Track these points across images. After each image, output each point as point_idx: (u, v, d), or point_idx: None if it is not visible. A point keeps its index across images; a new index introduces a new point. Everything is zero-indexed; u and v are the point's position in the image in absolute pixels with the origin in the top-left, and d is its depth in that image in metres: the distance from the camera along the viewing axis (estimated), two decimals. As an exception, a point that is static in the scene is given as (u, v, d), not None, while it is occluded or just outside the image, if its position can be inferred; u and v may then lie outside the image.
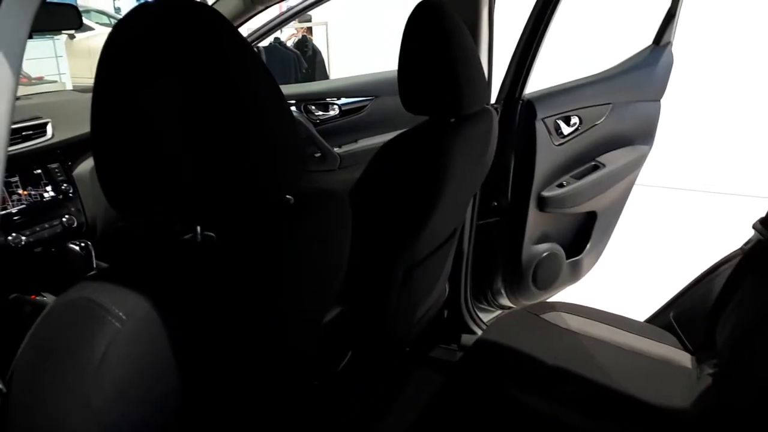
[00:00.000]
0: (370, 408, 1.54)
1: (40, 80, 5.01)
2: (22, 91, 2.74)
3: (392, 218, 1.25)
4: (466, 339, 1.97)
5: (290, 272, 0.78)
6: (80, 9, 1.47)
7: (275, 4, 1.94)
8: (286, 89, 2.44)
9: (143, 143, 0.59)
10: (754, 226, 1.43)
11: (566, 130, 1.94)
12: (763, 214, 1.41)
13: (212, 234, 0.68)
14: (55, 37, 6.46)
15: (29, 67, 5.54)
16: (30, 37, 1.17)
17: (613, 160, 2.07)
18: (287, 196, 0.80)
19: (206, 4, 0.66)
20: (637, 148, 2.14)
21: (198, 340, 0.64)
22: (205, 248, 0.67)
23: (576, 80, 2.02)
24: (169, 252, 0.66)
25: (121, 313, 0.55)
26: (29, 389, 0.57)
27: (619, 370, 1.43)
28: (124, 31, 0.62)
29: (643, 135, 2.15)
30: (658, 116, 2.15)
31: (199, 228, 0.67)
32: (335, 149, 2.43)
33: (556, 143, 1.93)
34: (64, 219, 1.60)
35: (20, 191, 1.55)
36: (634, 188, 2.21)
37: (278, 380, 0.89)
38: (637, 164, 2.15)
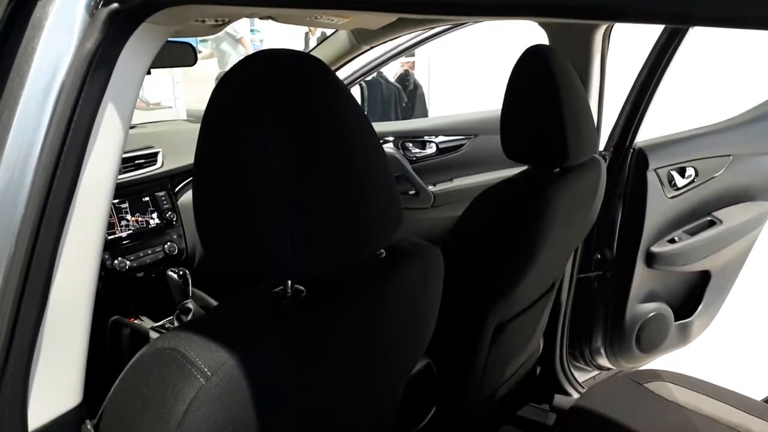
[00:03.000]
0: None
1: (157, 105, 5.34)
2: (140, 115, 2.92)
3: (487, 272, 1.19)
4: (559, 400, 1.84)
5: (378, 325, 0.75)
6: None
7: (381, 44, 1.95)
8: (384, 126, 2.44)
9: (242, 193, 0.58)
10: None
11: (680, 182, 1.81)
12: None
13: (302, 288, 0.66)
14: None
15: (148, 92, 5.94)
16: (148, 73, 1.21)
17: (731, 216, 1.91)
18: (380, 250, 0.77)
19: (315, 57, 0.65)
20: (760, 203, 1.96)
21: (284, 396, 0.62)
22: (293, 302, 0.64)
23: (692, 129, 1.89)
24: (258, 304, 0.65)
25: (206, 368, 0.55)
26: None
27: (733, 455, 1.28)
28: (234, 79, 0.61)
29: (766, 190, 1.97)
30: None
31: (290, 282, 0.65)
32: (430, 187, 2.39)
33: (669, 196, 1.80)
34: (166, 246, 1.66)
35: (129, 217, 1.62)
36: (756, 248, 2.02)
37: None
38: (759, 222, 1.97)
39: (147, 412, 0.55)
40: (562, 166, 1.20)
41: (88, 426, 0.60)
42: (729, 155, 1.87)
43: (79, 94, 0.50)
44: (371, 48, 1.98)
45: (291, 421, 0.65)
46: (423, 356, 1.20)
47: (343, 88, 0.66)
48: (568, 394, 1.87)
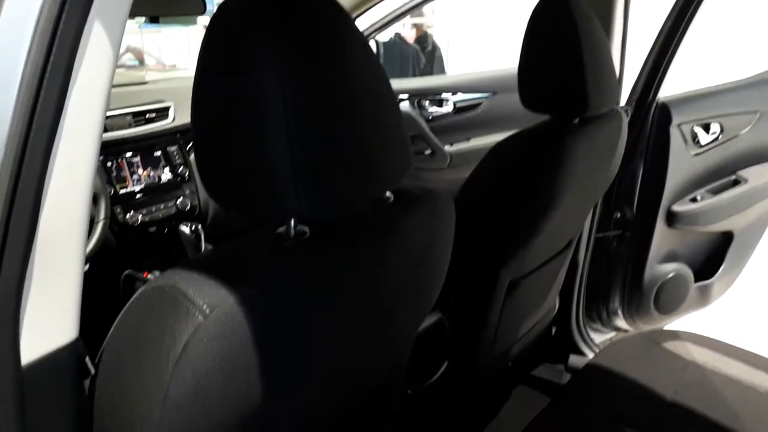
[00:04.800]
0: (464, 424, 1.46)
1: (173, 68, 5.33)
2: (155, 77, 2.90)
3: (502, 223, 1.16)
4: (575, 360, 1.83)
5: (385, 273, 0.73)
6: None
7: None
8: (399, 83, 2.39)
9: (242, 131, 0.56)
10: None
11: (705, 138, 1.75)
12: None
13: (306, 228, 0.64)
14: (189, 27, 6.83)
15: (165, 55, 5.90)
16: (156, 21, 1.18)
17: (757, 175, 1.85)
18: (387, 194, 0.74)
19: None
20: (787, 163, 1.90)
21: (285, 339, 0.61)
22: (296, 243, 0.62)
23: (719, 84, 1.82)
24: (260, 243, 0.63)
25: (204, 306, 0.53)
26: (113, 374, 0.57)
27: (751, 415, 1.25)
28: (231, 9, 0.58)
29: (794, 149, 1.90)
30: None
31: (293, 221, 0.63)
32: (446, 147, 2.35)
33: (692, 153, 1.74)
34: (178, 201, 1.65)
35: (141, 171, 1.61)
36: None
37: (370, 385, 0.84)
38: (786, 182, 1.91)
39: (143, 350, 0.54)
40: (581, 116, 1.16)
41: (88, 364, 0.59)
42: (756, 111, 1.80)
43: (63, 5, 0.47)
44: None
45: (293, 364, 0.63)
46: (435, 311, 1.19)
47: (351, 24, 0.63)
48: (583, 354, 1.85)
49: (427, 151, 2.32)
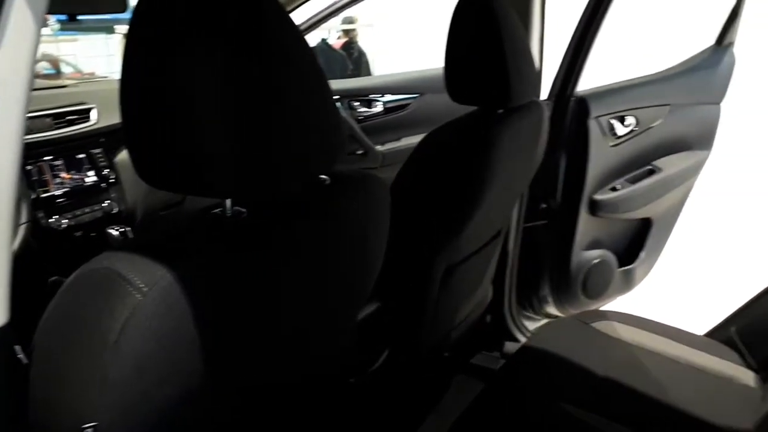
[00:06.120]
0: (406, 414, 1.48)
1: (92, 75, 5.14)
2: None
3: (434, 212, 1.19)
4: (509, 346, 1.88)
5: (323, 255, 0.73)
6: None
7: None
8: (330, 84, 2.40)
9: (172, 109, 0.56)
10: None
11: (621, 130, 1.85)
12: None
13: (243, 209, 0.64)
14: (110, 36, 6.62)
15: (82, 63, 5.69)
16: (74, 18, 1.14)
17: (670, 164, 1.97)
18: (323, 176, 0.75)
19: None
20: (696, 152, 2.03)
21: (225, 319, 0.60)
22: (232, 222, 0.62)
23: (632, 79, 1.93)
24: (195, 225, 0.62)
25: (142, 285, 0.52)
26: (48, 360, 0.55)
27: (676, 386, 1.33)
28: None
29: (701, 139, 2.04)
30: (718, 120, 2.04)
31: (228, 202, 0.63)
32: (377, 147, 2.37)
33: (611, 144, 1.83)
34: (104, 204, 1.60)
35: (63, 174, 1.55)
36: (692, 194, 2.09)
37: (311, 373, 0.84)
38: (695, 170, 2.04)
39: (81, 333, 0.53)
40: (505, 107, 1.21)
41: (19, 354, 0.56)
42: (667, 104, 1.91)
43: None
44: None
45: (234, 342, 0.63)
46: (375, 299, 1.20)
47: (283, 14, 0.64)
48: (518, 341, 1.90)
49: (360, 151, 2.34)
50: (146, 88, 0.57)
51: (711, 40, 2.01)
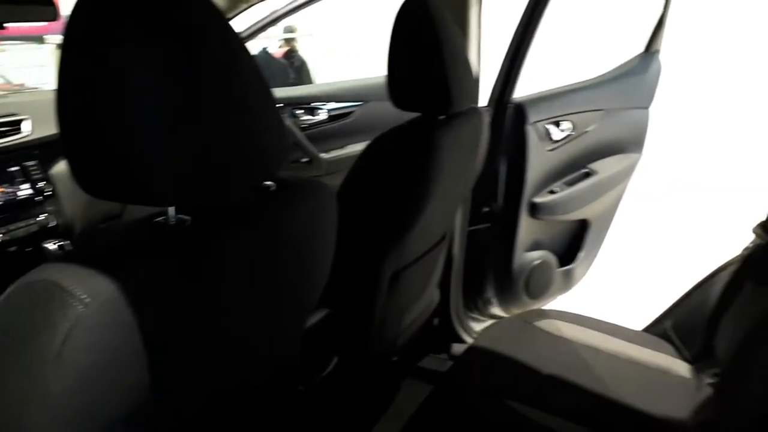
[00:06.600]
0: (356, 420, 1.48)
1: (21, 86, 4.92)
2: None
3: (380, 217, 1.21)
4: (457, 348, 1.91)
5: (269, 262, 0.73)
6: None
7: (259, 2, 1.90)
8: (273, 92, 2.39)
9: (110, 116, 0.55)
10: (753, 230, 1.39)
11: (557, 135, 1.92)
12: (763, 218, 1.38)
13: (187, 217, 0.64)
14: (40, 46, 6.38)
15: (12, 74, 5.46)
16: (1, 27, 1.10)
17: (604, 167, 2.05)
18: (269, 183, 0.75)
19: None
20: (628, 155, 2.12)
21: (170, 329, 0.60)
22: (176, 231, 0.62)
23: (566, 85, 2.00)
24: (137, 235, 0.61)
25: (84, 296, 0.51)
26: None
27: (615, 379, 1.39)
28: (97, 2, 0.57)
29: (633, 143, 2.13)
30: (647, 124, 2.13)
31: (172, 210, 0.62)
32: (322, 154, 2.38)
33: (548, 149, 1.90)
34: (40, 218, 1.54)
35: None
36: (626, 196, 2.18)
37: (260, 381, 0.84)
38: (628, 172, 2.13)
39: (17, 349, 0.51)
40: (446, 113, 1.24)
41: None
42: (600, 110, 1.99)
43: None
44: (248, 7, 1.92)
45: (179, 354, 0.62)
46: (322, 306, 1.20)
47: (223, 22, 0.64)
48: (465, 342, 1.94)
49: (304, 159, 2.33)
50: (83, 94, 0.56)
51: (639, 47, 2.11)
